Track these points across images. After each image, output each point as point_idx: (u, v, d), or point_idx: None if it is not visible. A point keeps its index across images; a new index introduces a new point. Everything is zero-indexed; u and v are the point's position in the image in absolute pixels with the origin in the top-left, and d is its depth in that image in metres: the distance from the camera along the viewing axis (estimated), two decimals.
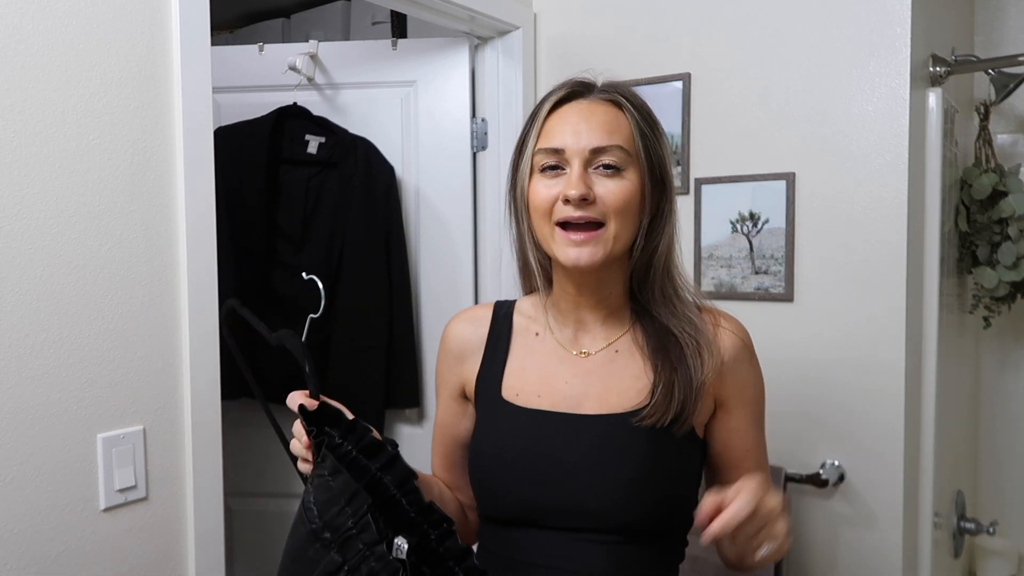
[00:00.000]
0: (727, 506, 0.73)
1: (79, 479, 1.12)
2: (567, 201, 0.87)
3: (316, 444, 0.75)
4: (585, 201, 0.87)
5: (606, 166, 0.88)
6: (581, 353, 0.96)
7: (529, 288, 1.04)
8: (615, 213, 0.88)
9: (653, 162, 0.91)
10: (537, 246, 0.95)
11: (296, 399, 0.80)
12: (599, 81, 0.95)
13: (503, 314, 1.03)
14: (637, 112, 0.92)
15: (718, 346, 0.92)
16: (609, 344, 0.95)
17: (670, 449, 0.89)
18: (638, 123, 0.91)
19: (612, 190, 0.88)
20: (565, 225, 0.89)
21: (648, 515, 0.88)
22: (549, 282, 0.99)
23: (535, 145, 0.92)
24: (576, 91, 0.93)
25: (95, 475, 1.14)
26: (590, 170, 0.89)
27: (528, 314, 1.02)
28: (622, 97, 0.93)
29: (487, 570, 0.79)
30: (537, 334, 0.99)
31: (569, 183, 0.87)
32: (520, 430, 0.93)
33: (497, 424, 0.95)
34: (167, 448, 1.23)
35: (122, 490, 1.17)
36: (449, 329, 1.06)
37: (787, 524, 0.77)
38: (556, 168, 0.90)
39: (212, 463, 1.28)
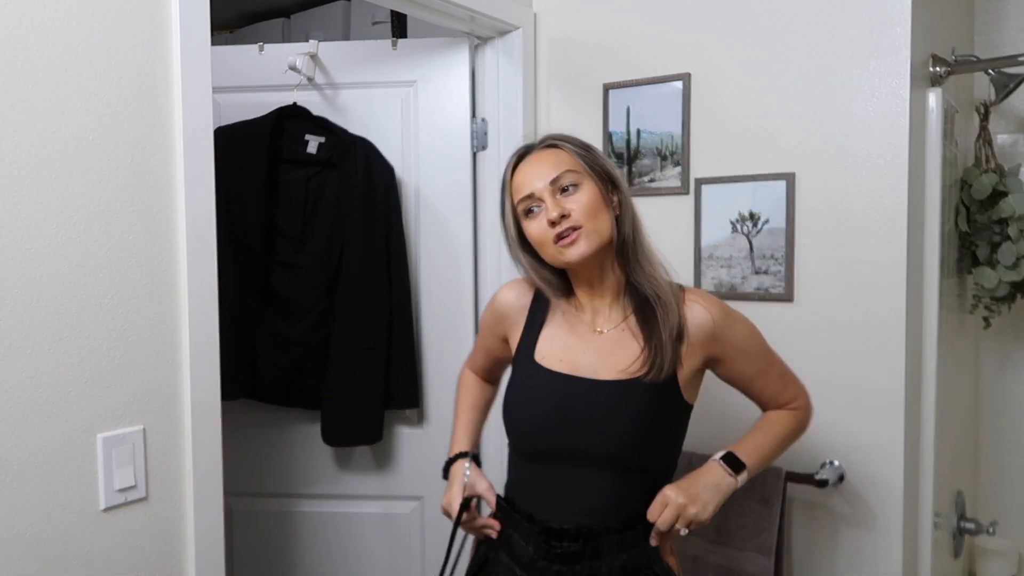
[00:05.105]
0: (658, 512, 1.14)
1: (79, 479, 1.13)
2: (552, 224, 1.16)
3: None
4: (564, 217, 1.15)
5: (565, 188, 1.17)
6: (597, 331, 1.23)
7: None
8: (585, 216, 1.16)
9: (597, 171, 1.20)
10: (546, 268, 1.23)
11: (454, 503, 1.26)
12: (537, 139, 1.27)
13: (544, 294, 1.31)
14: (570, 144, 1.21)
15: (683, 315, 1.19)
16: (616, 326, 1.23)
17: (652, 407, 1.17)
18: (575, 150, 1.21)
19: (578, 201, 1.17)
20: (558, 240, 1.17)
21: (633, 457, 1.17)
22: (562, 291, 1.28)
23: (512, 200, 1.21)
24: (523, 153, 1.23)
25: (95, 475, 1.14)
26: (558, 196, 1.17)
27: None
28: (554, 139, 1.23)
29: (513, 496, 1.24)
30: (565, 314, 1.27)
31: (548, 211, 1.16)
32: (545, 387, 1.21)
33: (528, 381, 1.24)
34: (167, 448, 1.23)
35: (122, 490, 1.17)
36: (500, 292, 1.37)
37: (702, 516, 1.14)
38: (535, 210, 1.19)
39: (212, 463, 1.28)
